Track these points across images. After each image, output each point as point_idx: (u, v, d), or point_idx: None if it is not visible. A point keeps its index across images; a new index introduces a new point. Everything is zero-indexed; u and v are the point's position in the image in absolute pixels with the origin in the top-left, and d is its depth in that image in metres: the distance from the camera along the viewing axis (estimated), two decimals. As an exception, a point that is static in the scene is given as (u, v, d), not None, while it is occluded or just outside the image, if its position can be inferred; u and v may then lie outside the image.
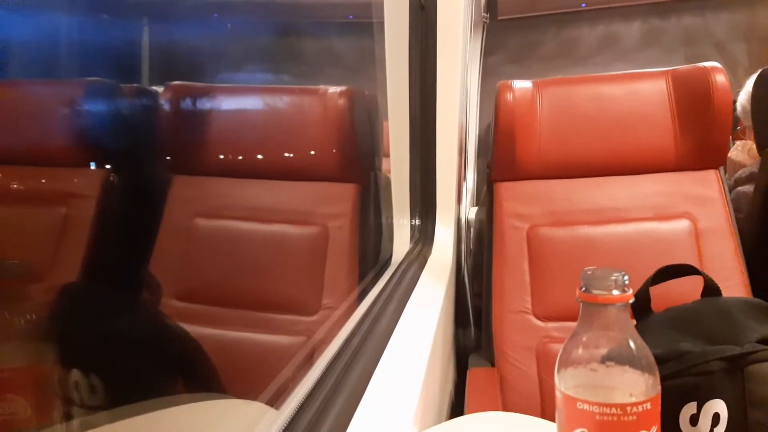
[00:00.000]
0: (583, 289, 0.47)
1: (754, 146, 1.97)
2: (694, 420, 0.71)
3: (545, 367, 1.23)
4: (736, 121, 1.94)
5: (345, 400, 0.62)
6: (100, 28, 0.87)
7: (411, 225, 1.45)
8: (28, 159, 0.86)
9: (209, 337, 1.19)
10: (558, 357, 0.49)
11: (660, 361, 0.74)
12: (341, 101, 1.31)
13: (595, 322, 0.47)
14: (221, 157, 1.35)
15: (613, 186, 1.39)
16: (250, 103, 1.42)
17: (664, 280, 0.86)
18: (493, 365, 1.30)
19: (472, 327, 1.68)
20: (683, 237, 1.30)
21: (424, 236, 1.46)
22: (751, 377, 0.72)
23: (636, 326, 0.85)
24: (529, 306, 1.30)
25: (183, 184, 1.34)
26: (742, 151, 1.98)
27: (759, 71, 1.38)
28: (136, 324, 0.88)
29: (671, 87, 1.40)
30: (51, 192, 1.01)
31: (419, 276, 1.19)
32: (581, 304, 0.48)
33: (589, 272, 0.47)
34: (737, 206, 1.44)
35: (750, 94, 1.47)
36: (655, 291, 0.86)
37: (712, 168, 1.38)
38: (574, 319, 0.48)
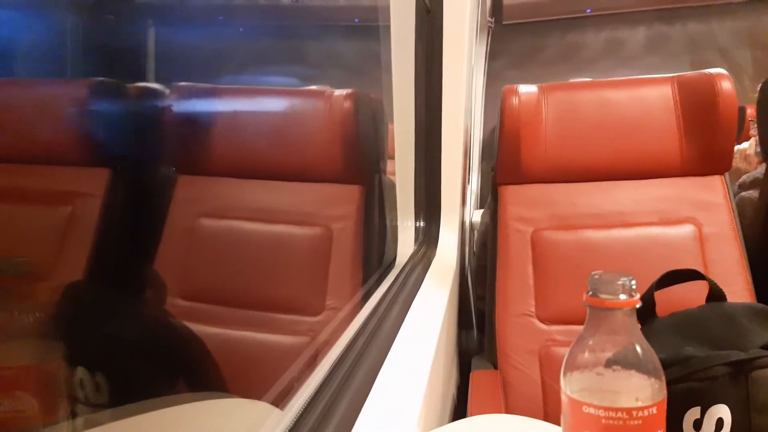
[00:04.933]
0: (591, 293, 0.47)
1: (751, 153, 1.97)
2: (698, 425, 0.71)
3: (548, 370, 1.23)
4: (741, 127, 1.94)
5: (349, 401, 0.63)
6: (106, 28, 0.87)
7: (415, 227, 1.45)
8: (34, 158, 0.87)
9: (214, 337, 1.19)
10: (564, 360, 0.49)
11: (664, 365, 0.74)
12: (347, 103, 1.31)
13: (601, 326, 0.47)
14: (226, 157, 1.35)
15: (618, 190, 1.39)
16: (256, 104, 1.43)
17: (668, 285, 0.86)
18: (496, 368, 1.30)
19: (476, 330, 1.68)
20: (688, 242, 1.30)
21: (428, 239, 1.46)
22: (756, 383, 0.72)
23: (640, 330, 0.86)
24: (532, 309, 1.30)
25: (188, 184, 1.34)
26: (741, 159, 1.98)
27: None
28: (141, 323, 0.88)
29: (677, 93, 1.40)
30: (56, 191, 1.01)
31: (423, 278, 1.19)
32: (588, 308, 0.48)
33: (596, 276, 0.47)
34: (741, 211, 1.44)
35: None
36: (659, 296, 0.86)
37: (717, 174, 1.38)
38: (577, 323, 0.48)
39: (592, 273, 0.48)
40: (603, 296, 0.46)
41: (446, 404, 1.16)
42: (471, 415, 1.04)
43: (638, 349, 0.47)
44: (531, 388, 1.23)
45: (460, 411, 1.30)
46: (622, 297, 0.46)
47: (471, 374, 1.29)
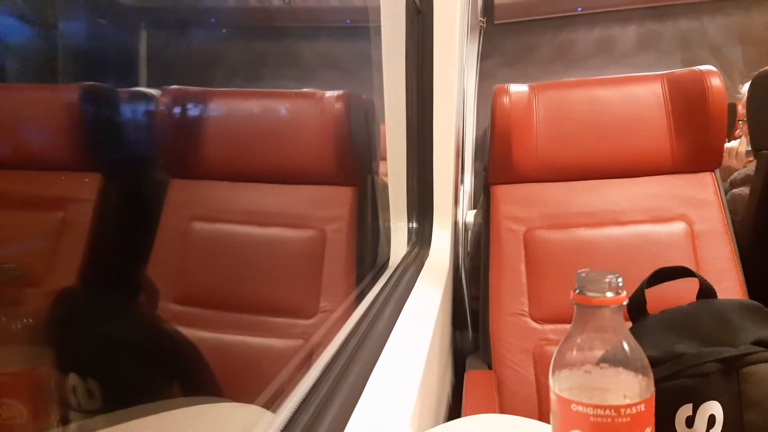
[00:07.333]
0: (577, 291, 0.48)
1: (741, 150, 1.98)
2: (690, 422, 0.71)
3: (542, 369, 1.24)
4: (731, 124, 1.95)
5: (342, 402, 0.63)
6: (97, 32, 0.87)
7: (408, 228, 1.45)
8: (24, 163, 0.86)
9: (206, 341, 1.19)
10: (552, 359, 0.49)
11: (656, 362, 0.74)
12: (338, 105, 1.31)
13: (589, 324, 0.47)
14: (218, 160, 1.35)
15: (609, 189, 1.39)
16: (248, 107, 1.43)
17: (659, 283, 0.87)
18: (490, 368, 1.30)
19: (470, 329, 1.68)
20: (679, 239, 1.31)
21: (421, 239, 1.46)
22: (747, 379, 0.72)
23: (631, 328, 0.86)
24: (525, 308, 1.30)
25: (180, 187, 1.34)
26: (729, 157, 1.99)
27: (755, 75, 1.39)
28: (134, 328, 0.88)
29: (667, 90, 1.41)
30: (48, 196, 1.01)
31: (416, 279, 1.19)
32: (575, 306, 0.48)
33: (583, 274, 0.47)
34: (733, 208, 1.44)
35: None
36: (650, 293, 0.86)
37: (707, 171, 1.38)
38: (570, 322, 0.49)
39: (579, 271, 0.48)
40: (590, 294, 0.47)
41: (441, 404, 1.16)
42: (465, 415, 1.04)
43: (626, 346, 0.47)
44: (525, 388, 1.24)
45: (454, 411, 1.30)
46: (609, 294, 0.46)
47: (465, 374, 1.29)
